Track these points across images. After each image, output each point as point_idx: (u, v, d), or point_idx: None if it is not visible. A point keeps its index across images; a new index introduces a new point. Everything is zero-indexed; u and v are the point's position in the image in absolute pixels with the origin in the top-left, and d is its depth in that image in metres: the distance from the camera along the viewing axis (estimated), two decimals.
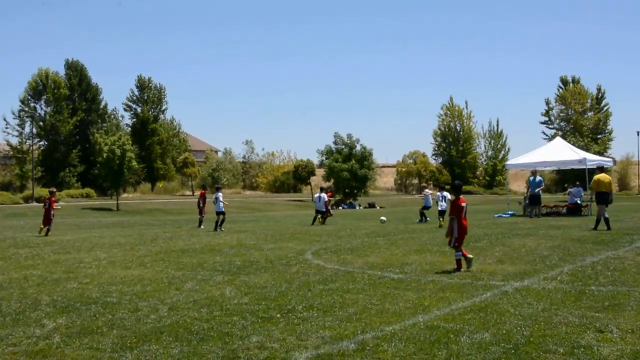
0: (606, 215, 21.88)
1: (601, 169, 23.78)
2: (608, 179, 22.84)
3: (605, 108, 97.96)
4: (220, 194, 26.49)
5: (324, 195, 30.18)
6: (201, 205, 29.31)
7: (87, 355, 6.70)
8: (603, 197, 22.15)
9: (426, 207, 30.58)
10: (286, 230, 24.79)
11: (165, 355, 6.66)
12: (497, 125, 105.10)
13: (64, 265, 14.37)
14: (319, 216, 30.11)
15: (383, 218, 29.27)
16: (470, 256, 12.71)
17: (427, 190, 31.35)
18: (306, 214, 45.87)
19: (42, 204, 29.92)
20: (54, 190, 28.77)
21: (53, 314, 8.84)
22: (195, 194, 76.36)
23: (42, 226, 24.68)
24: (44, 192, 61.40)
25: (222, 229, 25.57)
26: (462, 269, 12.38)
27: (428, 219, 29.50)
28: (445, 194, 27.24)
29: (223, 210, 26.19)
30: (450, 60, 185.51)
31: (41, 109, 77.47)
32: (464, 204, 13.09)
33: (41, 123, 76.21)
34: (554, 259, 14.08)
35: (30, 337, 7.53)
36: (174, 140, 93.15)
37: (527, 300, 9.31)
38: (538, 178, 31.62)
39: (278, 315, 8.48)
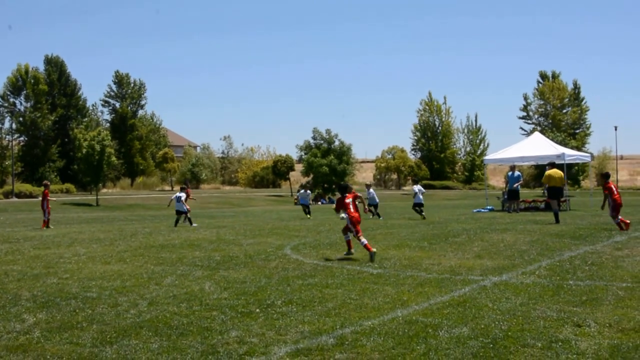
0: (556, 209, 23.19)
1: (552, 165, 25.01)
2: (559, 174, 24.17)
3: (582, 103, 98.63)
4: (182, 195, 26.25)
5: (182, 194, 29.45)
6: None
7: (67, 350, 6.67)
8: (555, 191, 23.50)
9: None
10: (265, 225, 24.75)
11: (145, 350, 6.63)
12: (476, 121, 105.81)
13: (43, 260, 14.29)
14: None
15: (343, 215, 29.32)
16: (373, 251, 13.46)
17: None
18: (286, 209, 45.90)
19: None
20: (48, 183, 28.78)
21: (33, 309, 8.80)
22: (174, 189, 76.17)
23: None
24: (23, 187, 61.08)
25: (194, 225, 25.38)
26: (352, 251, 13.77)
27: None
28: (419, 186, 28.40)
29: (184, 210, 25.93)
30: (428, 56, 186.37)
31: (21, 104, 77.47)
32: (348, 200, 14.65)
33: (21, 119, 75.90)
34: (532, 253, 14.14)
35: (11, 332, 7.50)
36: (153, 136, 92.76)
37: (505, 294, 9.35)
38: (516, 173, 31.79)
39: (257, 310, 8.47)
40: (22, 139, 78.33)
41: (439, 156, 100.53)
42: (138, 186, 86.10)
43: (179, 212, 26.00)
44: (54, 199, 30.08)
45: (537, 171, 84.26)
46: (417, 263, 12.90)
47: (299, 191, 33.79)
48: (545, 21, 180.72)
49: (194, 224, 25.72)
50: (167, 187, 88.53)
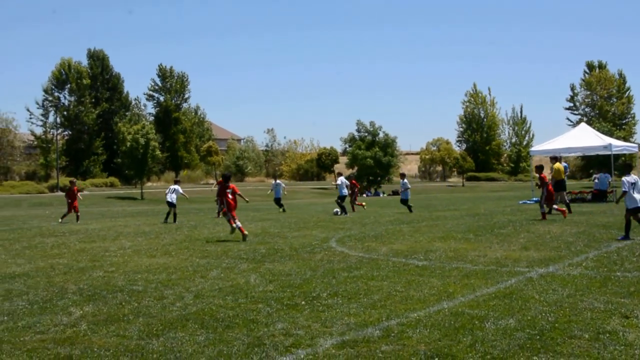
0: (567, 200, 24.71)
1: (556, 159, 26.59)
2: (562, 168, 25.79)
3: (629, 93, 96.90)
4: (177, 187, 25.93)
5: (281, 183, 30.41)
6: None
7: (114, 343, 6.78)
8: (562, 184, 24.36)
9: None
10: (310, 218, 24.83)
11: (191, 342, 6.71)
12: (521, 112, 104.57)
13: (89, 253, 14.53)
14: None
15: (337, 210, 28.83)
16: (245, 234, 16.62)
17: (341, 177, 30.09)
18: (331, 201, 45.86)
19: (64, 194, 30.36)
20: (74, 180, 29.55)
21: (80, 302, 8.94)
22: (211, 183, 76.59)
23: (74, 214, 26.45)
24: (68, 181, 61.65)
25: (176, 222, 24.46)
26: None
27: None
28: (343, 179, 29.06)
29: (174, 203, 25.32)
30: (473, 46, 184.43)
31: (64, 98, 77.98)
32: (229, 190, 17.56)
33: (65, 112, 76.62)
34: (579, 245, 13.99)
35: (58, 324, 7.63)
36: (197, 129, 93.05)
37: (552, 286, 9.27)
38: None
39: (303, 303, 8.52)
40: (66, 132, 78.86)
41: (484, 148, 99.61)
42: (182, 179, 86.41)
43: (171, 205, 25.26)
44: (98, 192, 30.63)
45: (584, 162, 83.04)
46: (462, 255, 12.85)
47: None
48: (592, 10, 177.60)
49: (176, 222, 24.57)
50: (212, 180, 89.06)
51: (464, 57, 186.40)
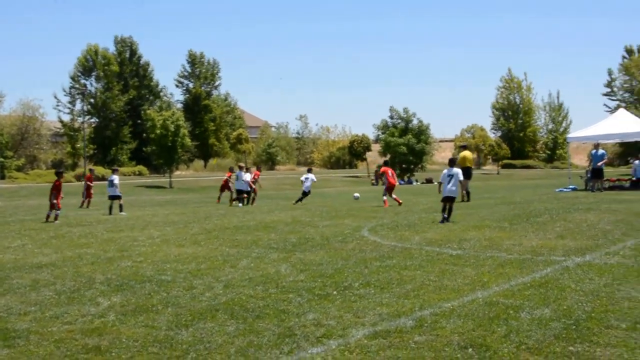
0: (469, 190, 25.71)
1: (464, 147, 28.51)
2: (468, 155, 26.85)
3: None
4: (115, 177, 24.85)
5: (311, 175, 29.25)
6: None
7: (142, 333, 6.76)
8: (466, 171, 24.08)
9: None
10: (342, 206, 24.74)
11: (221, 333, 6.68)
12: (558, 97, 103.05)
13: (117, 243, 14.47)
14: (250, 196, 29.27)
15: (356, 194, 28.56)
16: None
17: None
18: (362, 189, 45.81)
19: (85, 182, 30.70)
20: (93, 169, 30.09)
21: (107, 292, 8.93)
22: (251, 170, 76.28)
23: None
24: (96, 169, 61.41)
25: (122, 213, 23.52)
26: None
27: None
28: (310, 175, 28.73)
29: (119, 194, 24.53)
30: (509, 30, 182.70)
31: (91, 85, 77.33)
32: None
33: (92, 100, 76.14)
34: (616, 233, 13.77)
35: (86, 315, 7.62)
36: (227, 117, 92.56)
37: (588, 275, 9.13)
38: (601, 151, 30.89)
39: (334, 293, 8.46)
40: (93, 120, 78.07)
41: (520, 135, 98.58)
42: (212, 168, 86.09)
43: (113, 197, 24.36)
44: (126, 181, 31.04)
45: (623, 149, 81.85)
46: (497, 244, 12.70)
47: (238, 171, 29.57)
48: None
49: (123, 213, 23.60)
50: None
51: (499, 44, 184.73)
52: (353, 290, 8.56)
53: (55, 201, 20.84)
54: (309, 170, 30.16)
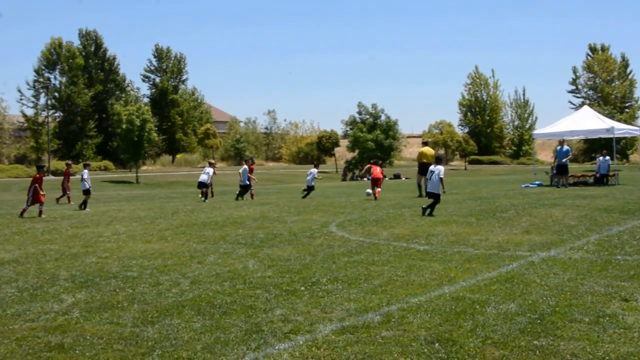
0: (421, 184, 25.48)
1: (425, 143, 27.98)
2: (431, 152, 26.56)
3: (630, 76, 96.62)
4: (85, 172, 24.57)
5: (314, 170, 29.18)
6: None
7: (107, 330, 6.69)
8: (424, 167, 24.63)
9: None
10: (310, 202, 24.71)
11: (188, 330, 6.64)
12: (524, 94, 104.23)
13: (82, 239, 14.26)
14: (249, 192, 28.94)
15: (369, 191, 28.72)
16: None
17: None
18: (331, 185, 45.86)
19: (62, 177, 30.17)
20: (70, 162, 29.73)
21: (72, 289, 8.82)
22: (217, 166, 75.82)
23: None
24: (60, 164, 60.09)
25: (88, 209, 23.09)
26: None
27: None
28: (312, 170, 28.91)
29: (88, 188, 24.19)
30: (476, 28, 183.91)
31: (56, 79, 76.36)
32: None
33: (56, 94, 75.11)
34: (580, 228, 13.94)
35: (49, 312, 7.52)
36: (195, 112, 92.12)
37: (553, 270, 9.24)
38: (565, 147, 31.23)
39: (302, 288, 8.46)
40: (58, 114, 76.99)
41: (486, 131, 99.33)
42: (179, 163, 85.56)
43: (85, 192, 24.04)
44: (91, 176, 30.06)
45: (587, 145, 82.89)
46: (464, 239, 12.78)
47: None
48: None
49: (87, 209, 23.07)
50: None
51: (466, 41, 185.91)
52: (321, 286, 8.56)
53: (35, 196, 20.51)
54: (315, 166, 30.35)
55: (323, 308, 7.37)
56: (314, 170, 29.04)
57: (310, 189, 27.99)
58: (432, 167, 18.42)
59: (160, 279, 9.35)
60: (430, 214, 17.39)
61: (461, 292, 7.99)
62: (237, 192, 28.43)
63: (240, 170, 28.85)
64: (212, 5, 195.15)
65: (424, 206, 17.90)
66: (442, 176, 18.07)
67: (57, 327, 6.87)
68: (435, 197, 17.95)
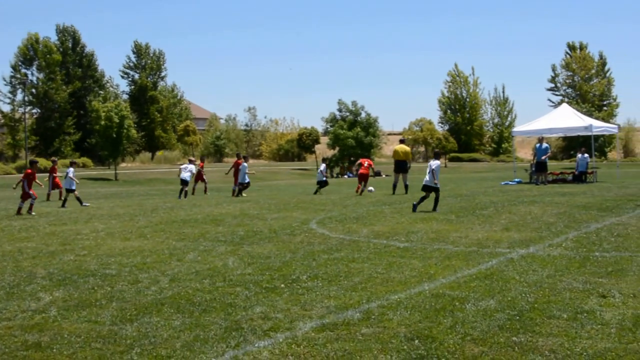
0: (407, 183, 26.00)
1: (401, 141, 27.17)
2: (405, 150, 26.21)
3: (608, 74, 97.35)
4: (71, 170, 24.09)
5: (322, 166, 29.44)
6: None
7: (85, 328, 6.64)
8: (400, 165, 25.80)
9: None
10: (290, 199, 24.68)
11: (167, 327, 6.61)
12: (503, 92, 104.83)
13: (60, 237, 14.15)
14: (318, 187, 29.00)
15: (371, 188, 28.78)
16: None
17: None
18: (311, 182, 45.77)
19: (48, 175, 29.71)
20: (56, 159, 29.47)
21: (49, 287, 8.74)
22: (196, 163, 75.30)
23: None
24: (40, 162, 59.56)
25: (66, 206, 22.97)
26: None
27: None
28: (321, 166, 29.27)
29: (73, 188, 23.92)
30: (455, 25, 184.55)
31: (33, 75, 75.55)
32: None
33: (33, 90, 74.33)
34: (559, 225, 14.04)
35: (26, 311, 7.45)
36: (175, 109, 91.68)
37: (532, 267, 9.30)
38: (544, 145, 31.42)
39: (282, 286, 8.45)
40: (35, 111, 76.19)
41: (466, 128, 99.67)
42: (159, 160, 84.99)
43: (68, 191, 23.98)
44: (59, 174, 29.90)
45: (566, 143, 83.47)
46: (444, 236, 12.83)
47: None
48: None
49: (65, 207, 23.10)
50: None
51: (446, 40, 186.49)
52: (301, 283, 8.55)
53: (29, 190, 20.31)
54: (323, 161, 30.73)
55: (303, 305, 7.36)
56: (323, 166, 29.22)
57: (321, 184, 28.17)
58: (430, 162, 18.66)
59: (139, 277, 9.29)
60: (434, 209, 17.75)
61: (441, 289, 8.01)
62: (238, 190, 28.49)
63: (240, 167, 28.80)
64: (191, 3, 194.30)
65: (415, 202, 18.11)
66: (434, 168, 18.15)
67: (34, 325, 6.81)
68: (435, 191, 18.20)
